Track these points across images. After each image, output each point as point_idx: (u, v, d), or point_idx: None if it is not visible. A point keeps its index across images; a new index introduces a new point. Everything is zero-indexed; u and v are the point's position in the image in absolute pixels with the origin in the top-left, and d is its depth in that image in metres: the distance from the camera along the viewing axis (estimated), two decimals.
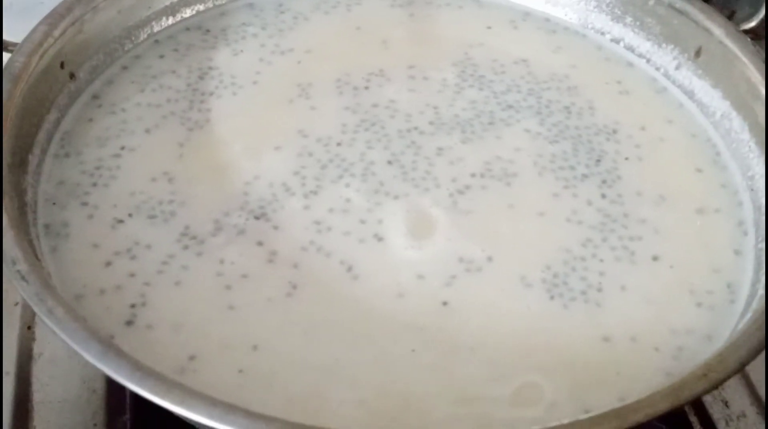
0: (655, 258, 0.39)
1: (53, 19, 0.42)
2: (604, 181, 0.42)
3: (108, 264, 0.37)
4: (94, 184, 0.40)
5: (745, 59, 0.44)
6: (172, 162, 0.42)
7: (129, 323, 0.35)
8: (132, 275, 0.37)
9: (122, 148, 0.42)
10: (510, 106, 0.46)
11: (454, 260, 0.38)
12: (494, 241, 0.39)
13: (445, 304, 0.37)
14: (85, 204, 0.40)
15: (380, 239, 0.39)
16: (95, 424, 0.41)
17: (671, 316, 0.37)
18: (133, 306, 0.36)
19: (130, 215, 0.39)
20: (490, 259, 0.38)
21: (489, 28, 0.51)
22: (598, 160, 0.43)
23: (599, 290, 0.38)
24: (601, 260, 0.39)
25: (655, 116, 0.46)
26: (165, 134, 0.43)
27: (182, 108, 0.45)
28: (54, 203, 0.39)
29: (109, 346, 0.29)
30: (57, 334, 0.30)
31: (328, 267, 0.38)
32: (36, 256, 0.35)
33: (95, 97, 0.45)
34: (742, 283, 0.39)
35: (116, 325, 0.35)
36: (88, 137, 0.43)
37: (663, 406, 0.30)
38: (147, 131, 0.43)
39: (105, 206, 0.39)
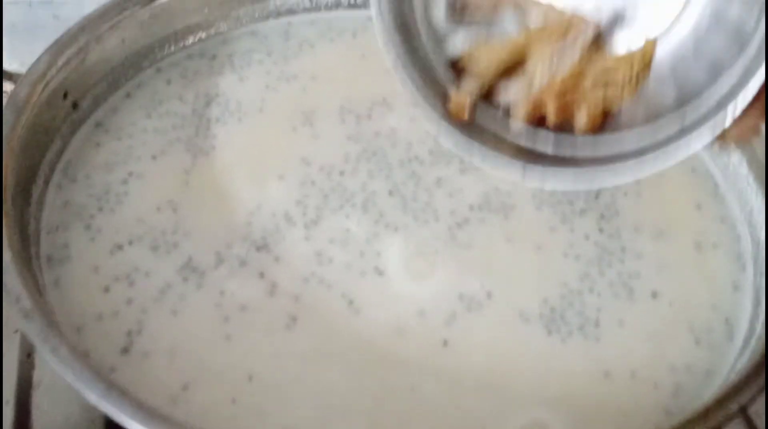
0: (654, 294, 0.39)
1: (57, 48, 0.42)
2: (602, 216, 0.42)
3: (106, 289, 0.38)
4: (100, 209, 0.41)
5: None
6: (178, 190, 0.42)
7: (125, 351, 0.35)
8: (129, 302, 0.37)
9: (130, 174, 0.42)
10: None
11: (454, 297, 0.38)
12: (493, 276, 0.39)
13: (445, 343, 0.37)
14: (88, 227, 0.40)
15: (381, 273, 0.39)
16: None
17: (670, 352, 0.37)
18: (129, 333, 0.36)
19: (130, 243, 0.39)
20: (489, 295, 0.39)
21: None
22: (597, 195, 0.43)
23: (597, 325, 0.38)
24: (599, 295, 0.39)
25: None
26: (171, 161, 0.43)
27: (188, 134, 0.45)
28: (57, 227, 0.40)
29: (110, 387, 0.29)
30: (61, 373, 0.30)
31: (330, 300, 0.38)
32: (38, 290, 0.35)
33: (99, 124, 0.45)
34: (741, 319, 0.39)
35: (113, 354, 0.35)
36: (95, 161, 0.43)
37: None
38: (153, 158, 0.43)
39: (108, 231, 0.40)
